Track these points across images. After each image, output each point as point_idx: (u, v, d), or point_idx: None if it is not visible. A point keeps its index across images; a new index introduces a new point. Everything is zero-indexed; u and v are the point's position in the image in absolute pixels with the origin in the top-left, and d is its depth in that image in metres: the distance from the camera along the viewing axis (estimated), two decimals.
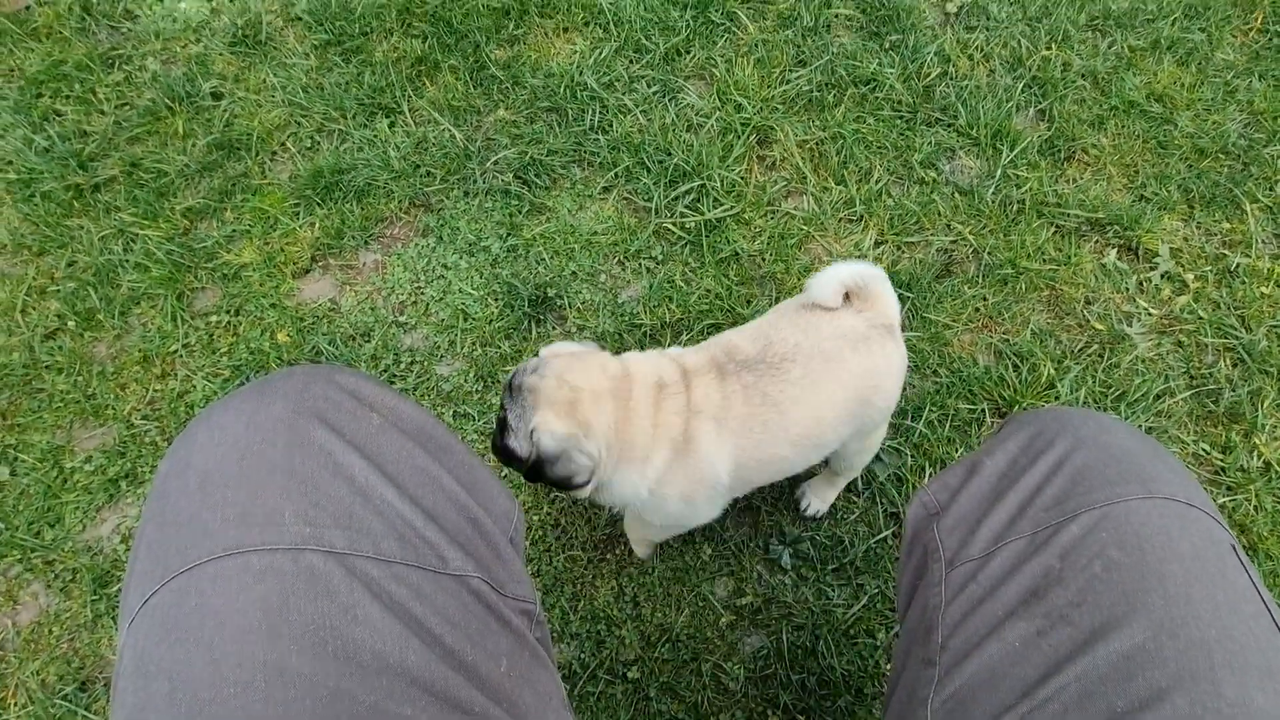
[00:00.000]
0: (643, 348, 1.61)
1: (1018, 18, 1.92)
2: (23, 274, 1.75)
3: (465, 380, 1.60)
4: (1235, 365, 1.55)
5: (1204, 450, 1.48)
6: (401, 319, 1.68)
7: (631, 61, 1.91)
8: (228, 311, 1.70)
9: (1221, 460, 1.47)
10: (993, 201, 1.71)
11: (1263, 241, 1.66)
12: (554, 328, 1.66)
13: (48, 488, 1.51)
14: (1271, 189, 1.70)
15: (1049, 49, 1.86)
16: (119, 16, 2.08)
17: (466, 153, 1.82)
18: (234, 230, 1.78)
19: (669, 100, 1.85)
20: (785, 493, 1.46)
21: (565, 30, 1.97)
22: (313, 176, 1.81)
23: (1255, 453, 1.47)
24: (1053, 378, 1.53)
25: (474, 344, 1.64)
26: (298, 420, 0.61)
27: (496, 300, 1.68)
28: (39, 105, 1.94)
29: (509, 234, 1.74)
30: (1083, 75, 1.84)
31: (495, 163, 1.81)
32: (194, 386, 1.61)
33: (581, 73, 1.88)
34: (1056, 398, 1.52)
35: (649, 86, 1.87)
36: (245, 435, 0.59)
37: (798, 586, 1.39)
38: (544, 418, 1.02)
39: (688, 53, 1.92)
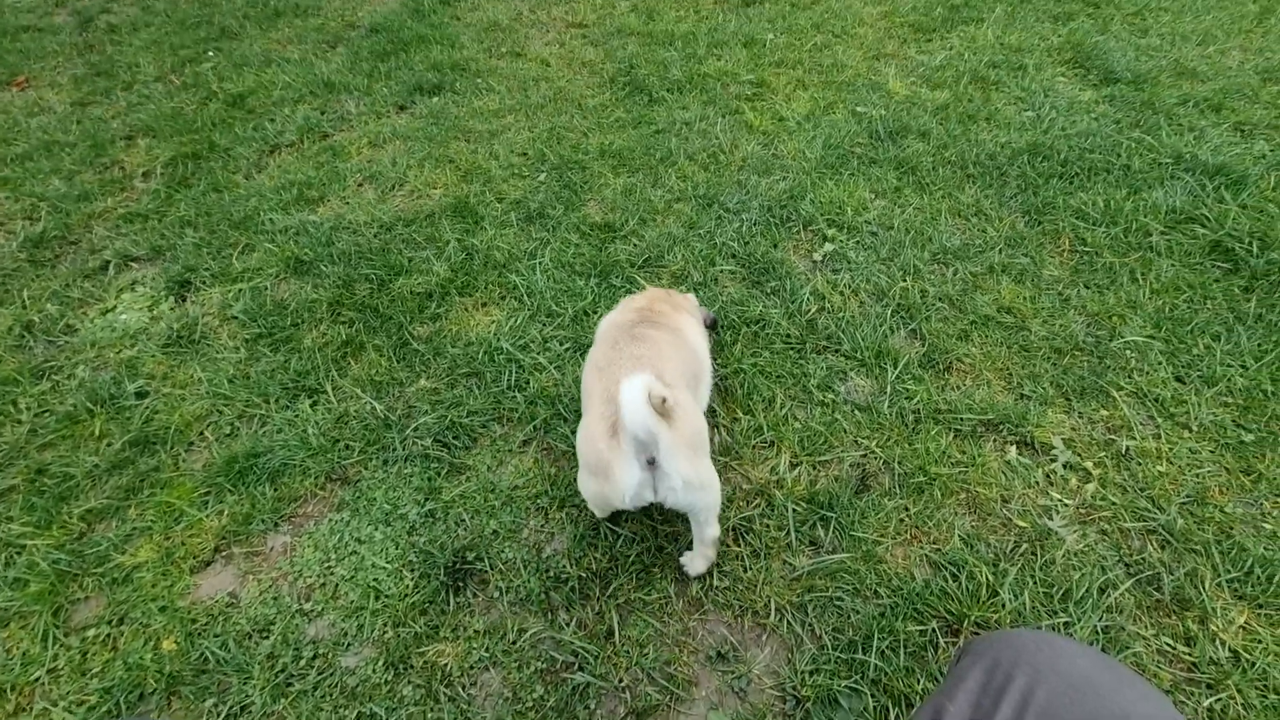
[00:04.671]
0: (569, 606, 1.54)
1: (873, 259, 2.28)
2: None
3: (374, 670, 1.46)
4: (1163, 547, 1.58)
5: (1168, 644, 1.43)
6: (307, 606, 1.57)
7: (544, 325, 2.12)
8: (109, 622, 1.56)
9: (1189, 654, 1.41)
10: (890, 414, 1.85)
11: (1141, 424, 1.80)
12: (475, 594, 1.58)
13: None
14: (1130, 377, 1.90)
15: (905, 281, 2.19)
16: (58, 332, 2.25)
17: (387, 423, 1.89)
18: (133, 529, 1.72)
19: (580, 355, 2.03)
20: None
21: (484, 305, 2.22)
22: (227, 463, 1.82)
23: (1218, 641, 1.42)
24: (993, 584, 1.51)
25: (385, 625, 1.53)
26: None
27: (412, 572, 1.61)
28: None
29: (427, 498, 1.74)
30: (939, 299, 2.14)
31: (415, 429, 1.87)
32: None
33: (499, 339, 2.07)
34: (1002, 606, 1.48)
35: (561, 345, 2.06)
36: None
37: None
38: None
39: (594, 313, 2.16)
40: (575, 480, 1.75)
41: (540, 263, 2.32)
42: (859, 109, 2.96)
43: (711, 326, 1.82)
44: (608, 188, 2.63)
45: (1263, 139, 2.63)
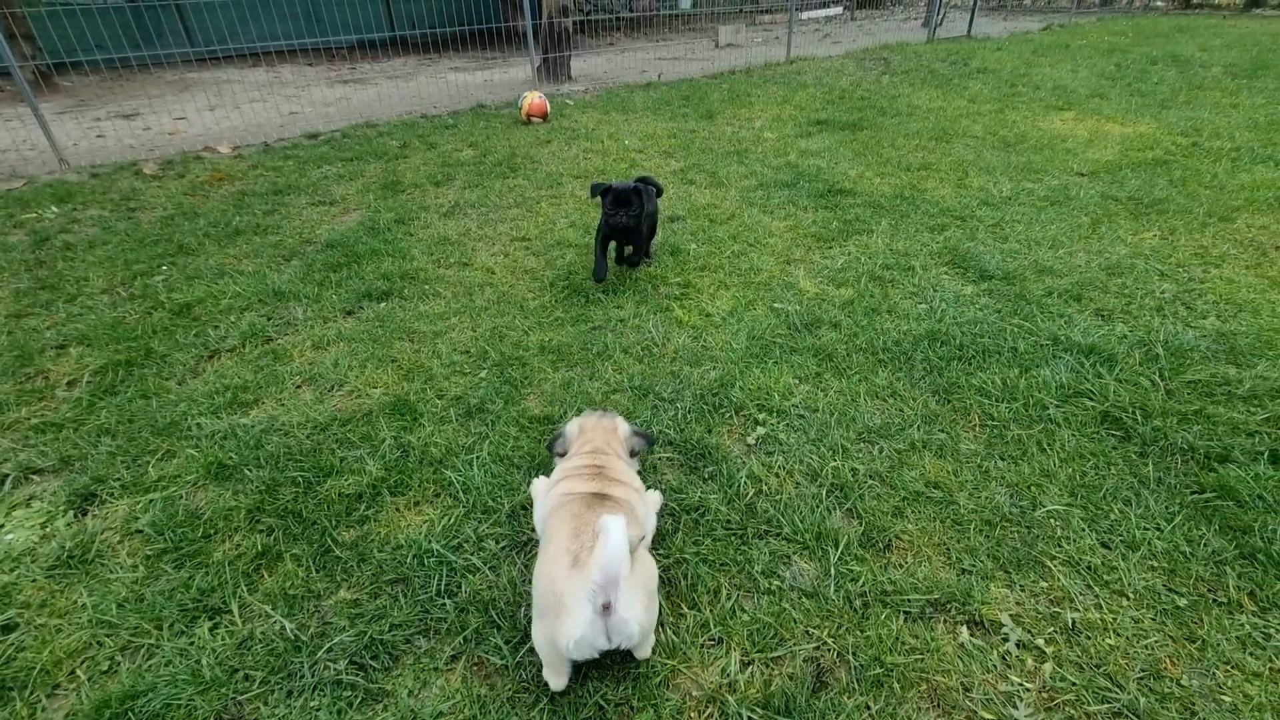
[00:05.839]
0: None
1: (803, 440, 2.38)
2: None
3: None
4: None
5: None
6: None
7: (480, 522, 2.05)
8: None
9: None
10: (838, 599, 1.80)
11: (1080, 594, 1.81)
12: None
13: None
14: (1059, 545, 1.95)
15: (835, 460, 2.27)
16: None
17: (296, 644, 1.70)
18: None
19: (516, 553, 1.95)
20: None
21: (417, 504, 2.14)
22: (97, 709, 1.57)
23: None
24: None
25: None
26: None
27: None
28: None
29: None
30: (870, 476, 2.21)
31: (329, 650, 1.69)
32: None
33: (430, 540, 1.97)
34: None
35: (497, 543, 1.98)
36: None
37: None
38: None
39: (532, 508, 2.11)
40: (508, 700, 1.58)
41: (478, 457, 2.30)
42: (776, 305, 3.28)
43: (650, 443, 2.02)
44: (547, 381, 2.73)
45: (1120, 322, 3.04)
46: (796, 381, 2.71)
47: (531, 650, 1.65)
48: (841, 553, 1.93)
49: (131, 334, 3.15)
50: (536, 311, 3.27)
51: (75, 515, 2.16)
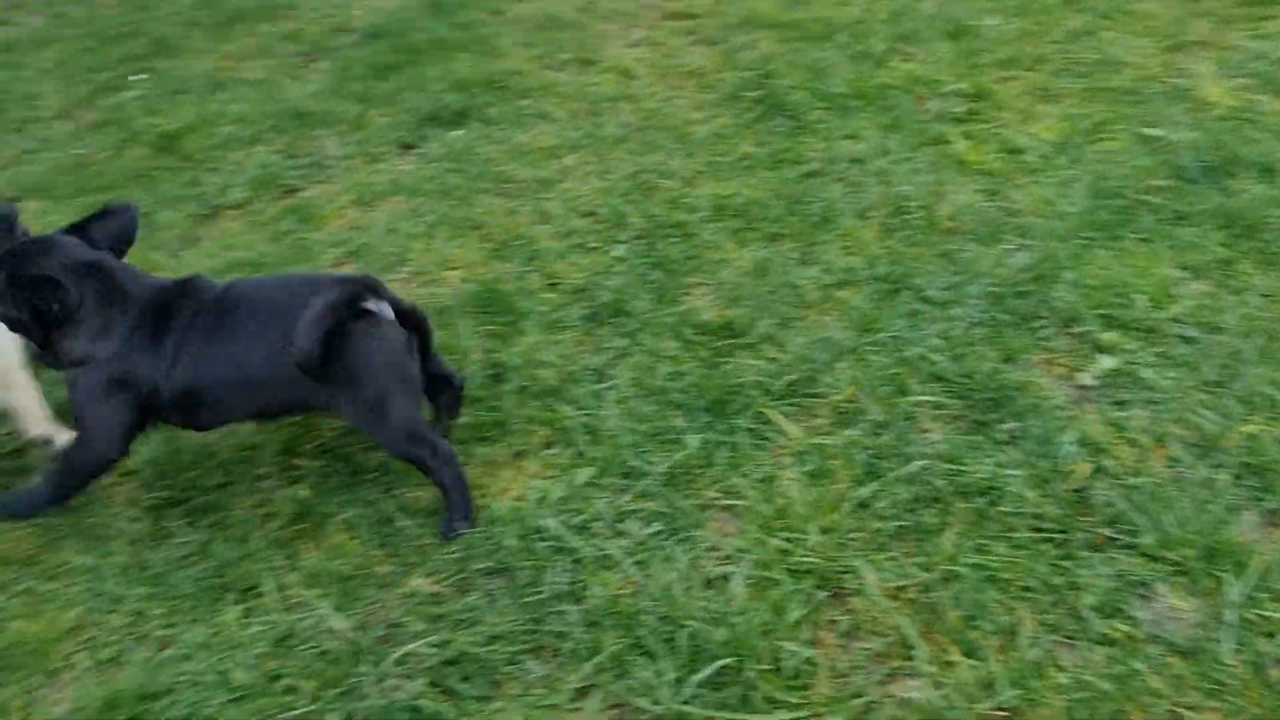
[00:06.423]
0: None
1: (1188, 384, 2.15)
2: None
3: None
4: None
5: None
6: None
7: (618, 491, 2.04)
8: None
9: None
10: (1237, 665, 1.61)
11: None
12: None
13: None
14: None
15: (1250, 422, 2.03)
16: None
17: (355, 650, 1.78)
18: None
19: (678, 543, 1.91)
20: None
21: (518, 456, 2.18)
22: (105, 707, 1.72)
23: None
24: None
25: None
26: None
27: None
28: None
29: None
30: None
31: (400, 660, 1.75)
32: None
33: (540, 514, 1.98)
34: None
35: (646, 525, 1.95)
36: None
37: None
38: None
39: (704, 470, 2.07)
40: None
41: (615, 387, 2.30)
42: (1150, 131, 3.06)
43: None
44: (727, 266, 2.68)
45: None
46: (1183, 275, 2.49)
47: (698, 686, 1.62)
48: (1253, 586, 1.72)
49: (101, 180, 3.34)
50: (708, 144, 3.20)
51: None
